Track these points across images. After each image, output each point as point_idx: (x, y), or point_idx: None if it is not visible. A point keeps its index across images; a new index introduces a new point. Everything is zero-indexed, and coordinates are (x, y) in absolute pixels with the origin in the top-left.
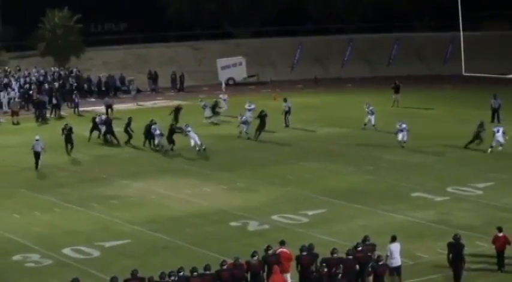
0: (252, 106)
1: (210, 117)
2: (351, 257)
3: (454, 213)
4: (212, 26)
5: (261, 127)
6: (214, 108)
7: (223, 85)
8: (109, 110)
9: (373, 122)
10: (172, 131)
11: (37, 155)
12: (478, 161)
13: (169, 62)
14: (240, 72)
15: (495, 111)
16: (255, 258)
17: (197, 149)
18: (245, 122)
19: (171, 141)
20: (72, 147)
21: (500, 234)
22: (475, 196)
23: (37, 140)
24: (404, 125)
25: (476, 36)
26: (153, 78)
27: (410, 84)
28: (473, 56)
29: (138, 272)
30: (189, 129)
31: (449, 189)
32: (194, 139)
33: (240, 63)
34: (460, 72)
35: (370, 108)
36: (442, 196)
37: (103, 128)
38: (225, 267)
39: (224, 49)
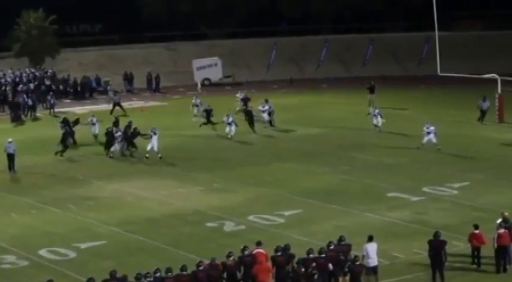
0: (266, 107)
1: (195, 116)
2: (323, 255)
3: (430, 213)
4: (187, 27)
5: (251, 121)
6: (209, 116)
7: (199, 86)
8: (116, 107)
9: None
10: (136, 134)
11: (10, 157)
12: (453, 161)
13: (145, 62)
14: (215, 73)
15: (484, 113)
16: (231, 258)
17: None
18: (231, 123)
19: (133, 145)
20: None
21: (477, 232)
22: (451, 196)
23: (9, 142)
24: (432, 128)
25: (450, 36)
26: (129, 79)
27: (386, 85)
28: (448, 56)
29: (116, 272)
30: (156, 132)
31: (425, 189)
32: (153, 144)
33: (216, 64)
34: (435, 72)
35: (377, 111)
36: (418, 196)
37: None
38: (201, 268)
39: (199, 50)
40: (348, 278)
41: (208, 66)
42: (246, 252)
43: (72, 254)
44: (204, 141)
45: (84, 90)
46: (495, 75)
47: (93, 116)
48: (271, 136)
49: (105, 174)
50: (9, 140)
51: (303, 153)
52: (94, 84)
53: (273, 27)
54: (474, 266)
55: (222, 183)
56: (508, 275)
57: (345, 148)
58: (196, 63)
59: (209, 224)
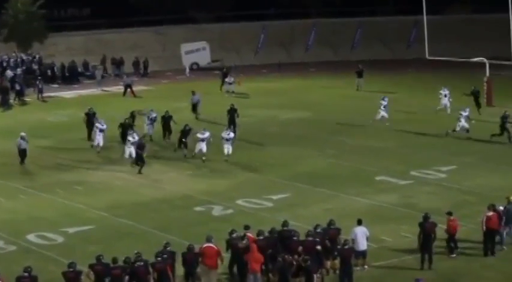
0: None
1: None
2: (310, 238)
3: (418, 197)
4: (176, 11)
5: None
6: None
7: (187, 70)
8: (128, 89)
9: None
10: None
11: (22, 153)
12: (441, 144)
13: (133, 47)
14: (204, 57)
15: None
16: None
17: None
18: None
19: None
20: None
21: (452, 218)
22: (439, 179)
23: (22, 138)
24: (466, 113)
25: (439, 19)
26: (117, 63)
27: (374, 69)
28: (437, 40)
29: (103, 257)
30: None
31: (413, 172)
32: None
33: (204, 48)
34: (424, 56)
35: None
36: (406, 180)
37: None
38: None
39: (188, 34)
40: (337, 261)
41: (196, 51)
42: (234, 235)
43: (60, 239)
44: (192, 126)
45: (71, 75)
46: (483, 59)
47: (152, 110)
48: (258, 121)
49: (94, 159)
50: (22, 134)
51: (291, 137)
52: (81, 69)
53: (262, 11)
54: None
55: (209, 167)
56: (496, 258)
57: (333, 132)
58: (185, 47)
59: (197, 208)
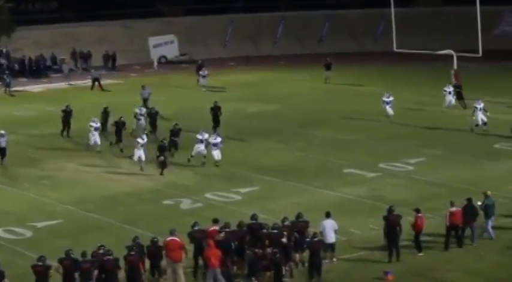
0: (391, 98)
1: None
2: (275, 231)
3: (386, 189)
4: (143, 5)
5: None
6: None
7: (155, 63)
8: (95, 83)
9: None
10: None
11: (1, 151)
12: (409, 137)
13: (101, 40)
14: (171, 51)
15: None
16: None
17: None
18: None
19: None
20: (68, 129)
21: (420, 215)
22: (407, 172)
23: (1, 135)
24: (480, 106)
25: (407, 12)
26: (85, 57)
27: (342, 61)
28: (405, 32)
29: (72, 251)
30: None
31: (381, 165)
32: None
33: (172, 42)
34: (392, 48)
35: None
36: (374, 172)
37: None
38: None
39: (155, 27)
40: (305, 254)
41: (164, 44)
42: (196, 228)
43: (29, 233)
44: (160, 120)
45: (39, 69)
46: (451, 51)
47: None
48: (226, 114)
49: (62, 153)
50: (1, 132)
51: (259, 130)
52: (49, 63)
53: (229, 4)
54: (420, 254)
55: (178, 160)
56: (462, 250)
57: (301, 125)
58: (153, 41)
59: (166, 202)
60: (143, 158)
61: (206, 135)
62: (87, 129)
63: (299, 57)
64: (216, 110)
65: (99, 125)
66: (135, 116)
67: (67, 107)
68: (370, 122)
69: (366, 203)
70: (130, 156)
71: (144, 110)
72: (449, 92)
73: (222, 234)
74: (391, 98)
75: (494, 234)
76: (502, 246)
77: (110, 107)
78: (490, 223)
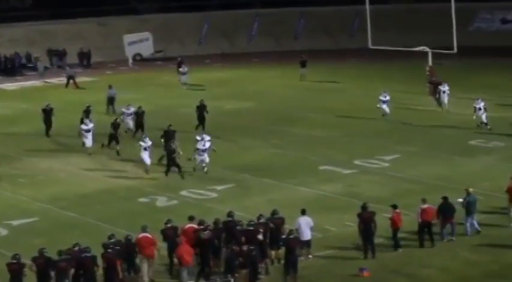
0: (388, 97)
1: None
2: (251, 228)
3: (362, 186)
4: (118, 2)
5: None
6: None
7: (130, 61)
8: (70, 81)
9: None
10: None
11: None
12: (384, 134)
13: (76, 38)
14: (147, 48)
15: None
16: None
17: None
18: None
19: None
20: (50, 128)
21: (397, 211)
22: (382, 168)
23: None
24: (481, 104)
25: (382, 9)
26: (60, 55)
27: (317, 59)
28: (380, 29)
29: (46, 250)
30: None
31: (356, 162)
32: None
33: (147, 39)
34: (367, 45)
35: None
36: (350, 169)
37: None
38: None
39: (131, 25)
40: (281, 251)
41: (139, 41)
42: (168, 225)
43: (4, 231)
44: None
45: (14, 67)
46: (426, 48)
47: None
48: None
49: (38, 151)
50: None
51: (234, 128)
52: (24, 61)
53: (204, 1)
54: (399, 249)
55: (153, 158)
56: (435, 249)
57: (277, 122)
58: (128, 38)
59: (141, 200)
60: (147, 161)
61: (207, 139)
62: (78, 132)
63: (274, 55)
64: (201, 109)
65: (90, 126)
66: (122, 115)
67: (47, 105)
68: (346, 119)
69: (341, 199)
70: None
71: (131, 109)
72: (443, 92)
73: (207, 232)
74: (388, 97)
75: (472, 230)
76: (477, 243)
77: (92, 106)
78: (471, 220)
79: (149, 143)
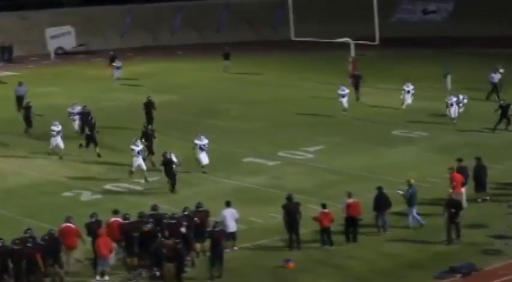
0: (346, 91)
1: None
2: (174, 221)
3: (286, 177)
4: None
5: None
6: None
7: (52, 55)
8: None
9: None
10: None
11: None
12: (308, 125)
13: None
14: (69, 42)
15: (495, 87)
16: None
17: None
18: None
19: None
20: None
21: (326, 211)
22: (306, 160)
23: None
24: (454, 99)
25: (305, 0)
26: None
27: (240, 51)
28: (303, 20)
29: None
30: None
31: (280, 153)
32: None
33: (69, 33)
34: (290, 37)
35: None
36: (274, 160)
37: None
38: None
39: (53, 18)
40: (206, 243)
41: (61, 35)
42: (93, 219)
43: None
44: (60, 112)
45: None
46: (348, 39)
47: (74, 104)
48: (125, 105)
49: None
50: None
51: (157, 121)
52: None
53: None
54: (331, 246)
55: (77, 152)
56: (358, 244)
57: (200, 115)
58: (50, 32)
59: (65, 194)
60: (144, 166)
61: (206, 141)
62: (49, 133)
63: (197, 47)
64: (149, 106)
65: (60, 128)
66: (69, 116)
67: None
68: (269, 111)
69: (266, 191)
70: (130, 171)
71: (77, 109)
72: (408, 91)
73: (149, 225)
74: (346, 91)
75: (414, 223)
76: (406, 234)
77: (31, 102)
78: (413, 211)
79: (141, 146)
